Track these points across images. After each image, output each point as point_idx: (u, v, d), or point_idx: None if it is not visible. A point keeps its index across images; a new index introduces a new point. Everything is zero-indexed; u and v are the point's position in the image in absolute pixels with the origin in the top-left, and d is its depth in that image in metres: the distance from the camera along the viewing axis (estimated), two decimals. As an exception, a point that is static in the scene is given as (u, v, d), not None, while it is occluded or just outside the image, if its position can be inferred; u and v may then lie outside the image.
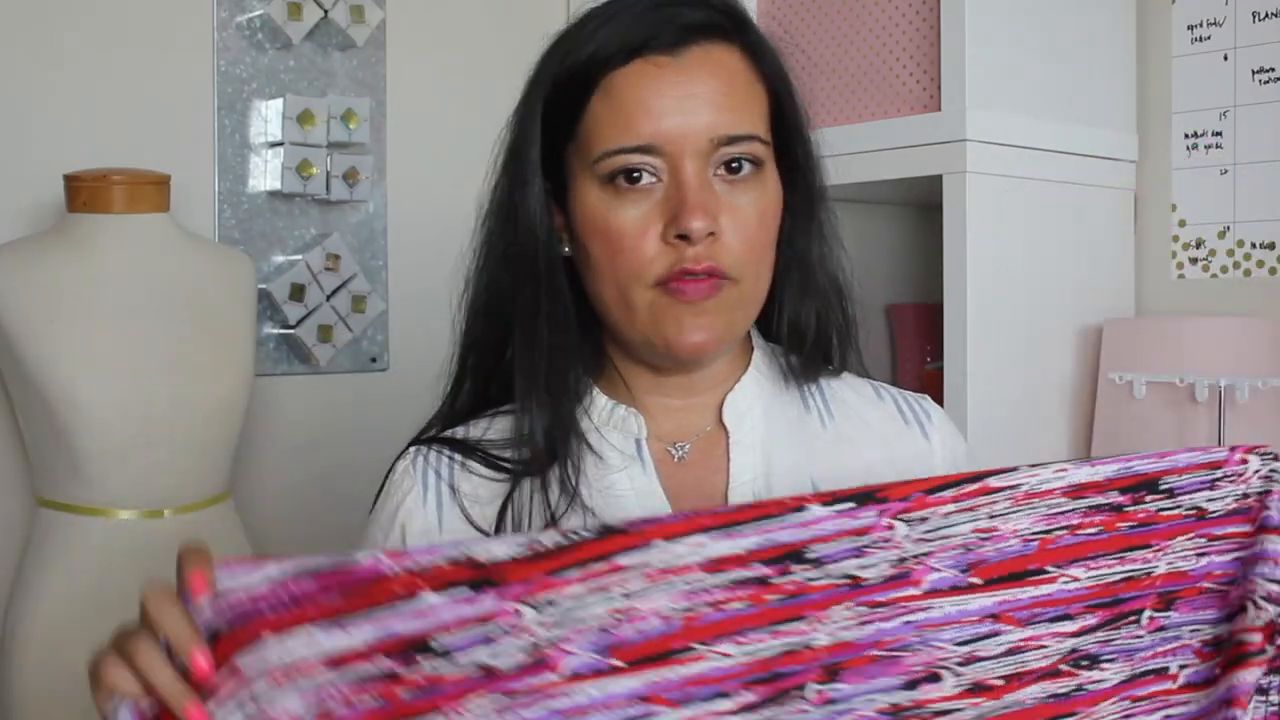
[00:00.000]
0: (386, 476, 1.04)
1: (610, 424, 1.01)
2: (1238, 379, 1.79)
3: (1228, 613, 0.83)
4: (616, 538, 0.75)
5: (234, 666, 0.70)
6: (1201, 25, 2.02)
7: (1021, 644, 0.79)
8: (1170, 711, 0.82)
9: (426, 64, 2.27)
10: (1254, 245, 1.98)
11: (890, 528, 0.78)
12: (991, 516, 0.79)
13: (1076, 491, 0.80)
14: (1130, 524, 0.81)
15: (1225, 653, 0.83)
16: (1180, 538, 0.81)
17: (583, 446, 0.99)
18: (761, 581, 0.76)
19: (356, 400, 2.19)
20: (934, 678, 0.78)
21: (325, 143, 2.09)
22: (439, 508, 0.99)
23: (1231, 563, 0.83)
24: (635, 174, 0.93)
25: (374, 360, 2.22)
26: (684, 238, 0.92)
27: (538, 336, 0.98)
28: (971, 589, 0.79)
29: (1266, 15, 1.95)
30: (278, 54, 2.10)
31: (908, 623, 0.78)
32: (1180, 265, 2.06)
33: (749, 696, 0.75)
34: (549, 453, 0.98)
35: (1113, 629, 0.81)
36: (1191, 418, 1.83)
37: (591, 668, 0.74)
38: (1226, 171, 2.00)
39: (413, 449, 1.03)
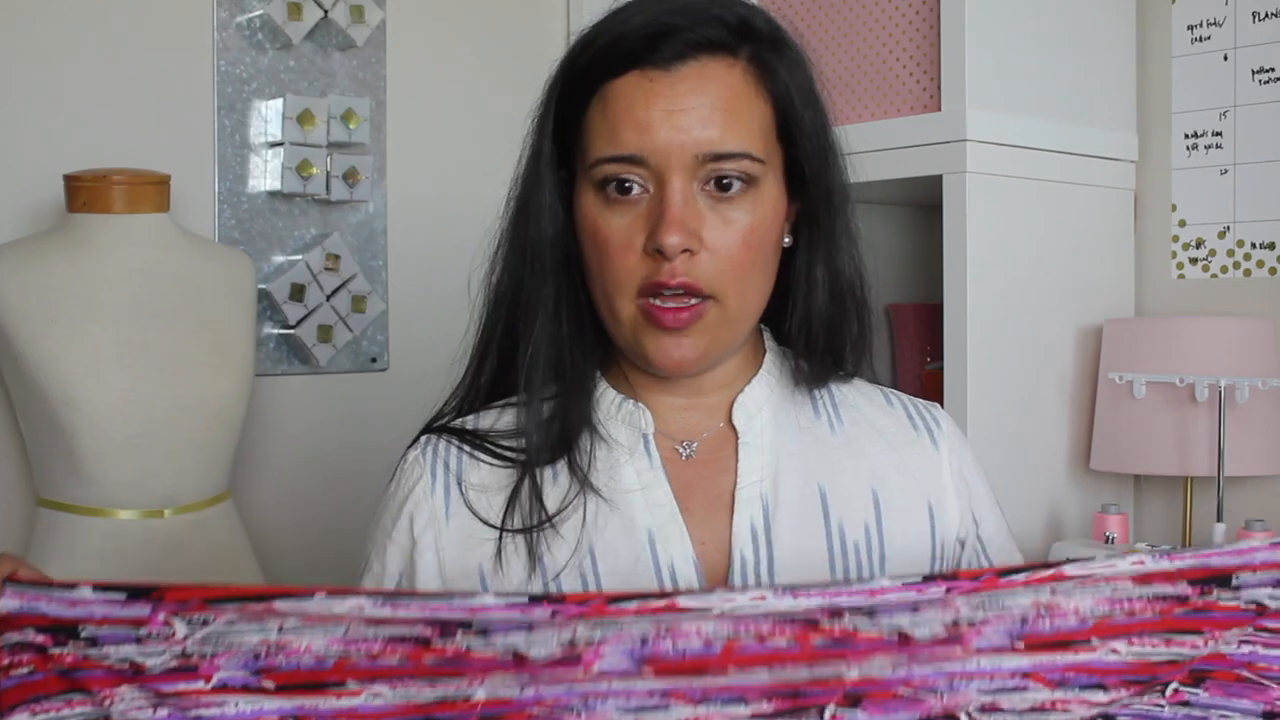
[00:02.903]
0: (399, 465, 1.05)
1: (619, 418, 1.02)
2: (1238, 379, 1.79)
3: (1266, 710, 0.80)
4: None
5: None
6: (1201, 25, 2.02)
7: (1049, 704, 0.79)
8: None
9: (426, 64, 2.27)
10: (1254, 245, 1.98)
11: (948, 593, 0.77)
12: (1054, 593, 0.79)
13: (1145, 578, 0.79)
14: (1187, 610, 0.79)
15: None
16: (1234, 630, 0.79)
17: (594, 437, 1.00)
18: (811, 624, 0.77)
19: (356, 400, 2.19)
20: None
21: (325, 143, 2.09)
22: (446, 497, 1.00)
23: (1277, 658, 0.80)
24: (626, 184, 0.94)
25: (374, 360, 2.21)
26: (660, 252, 0.92)
27: (549, 329, 1.00)
28: (1014, 651, 0.79)
29: (1266, 15, 1.95)
30: (278, 54, 2.10)
31: (940, 670, 0.78)
32: (1180, 265, 2.06)
33: (766, 706, 0.76)
34: (561, 443, 0.99)
35: (1136, 694, 0.80)
36: (1191, 418, 1.83)
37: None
38: (1226, 171, 2.00)
39: (424, 438, 1.05)
